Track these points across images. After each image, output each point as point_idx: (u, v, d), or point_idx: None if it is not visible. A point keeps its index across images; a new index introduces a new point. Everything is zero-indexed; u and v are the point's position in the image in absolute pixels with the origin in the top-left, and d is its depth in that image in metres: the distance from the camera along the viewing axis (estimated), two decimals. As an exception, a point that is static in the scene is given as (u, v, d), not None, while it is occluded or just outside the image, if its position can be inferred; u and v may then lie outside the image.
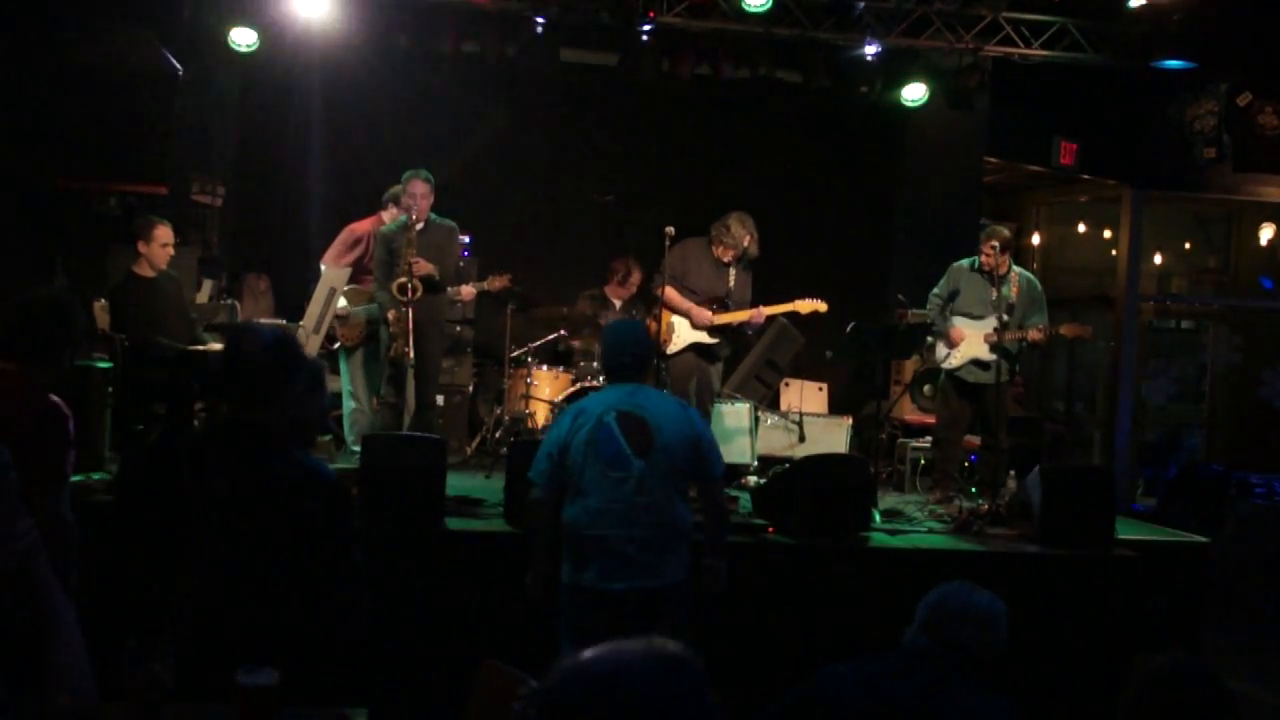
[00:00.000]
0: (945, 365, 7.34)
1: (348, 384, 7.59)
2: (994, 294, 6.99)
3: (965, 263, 7.39)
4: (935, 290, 7.45)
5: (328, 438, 7.36)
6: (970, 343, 7.21)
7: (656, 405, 4.28)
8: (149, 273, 6.68)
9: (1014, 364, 7.26)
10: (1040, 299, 7.33)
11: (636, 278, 8.57)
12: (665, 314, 7.01)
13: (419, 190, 6.79)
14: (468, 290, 7.45)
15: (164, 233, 6.67)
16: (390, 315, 6.83)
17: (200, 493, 2.76)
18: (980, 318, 7.20)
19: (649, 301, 7.79)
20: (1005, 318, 6.96)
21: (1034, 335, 7.07)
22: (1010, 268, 7.24)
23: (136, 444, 6.10)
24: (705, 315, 7.05)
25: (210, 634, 2.65)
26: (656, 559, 4.16)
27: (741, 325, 7.15)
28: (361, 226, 7.64)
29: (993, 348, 7.04)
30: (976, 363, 7.20)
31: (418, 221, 6.76)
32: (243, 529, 2.73)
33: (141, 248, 6.64)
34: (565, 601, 4.23)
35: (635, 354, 4.37)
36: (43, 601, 2.27)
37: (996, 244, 7.11)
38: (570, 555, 4.21)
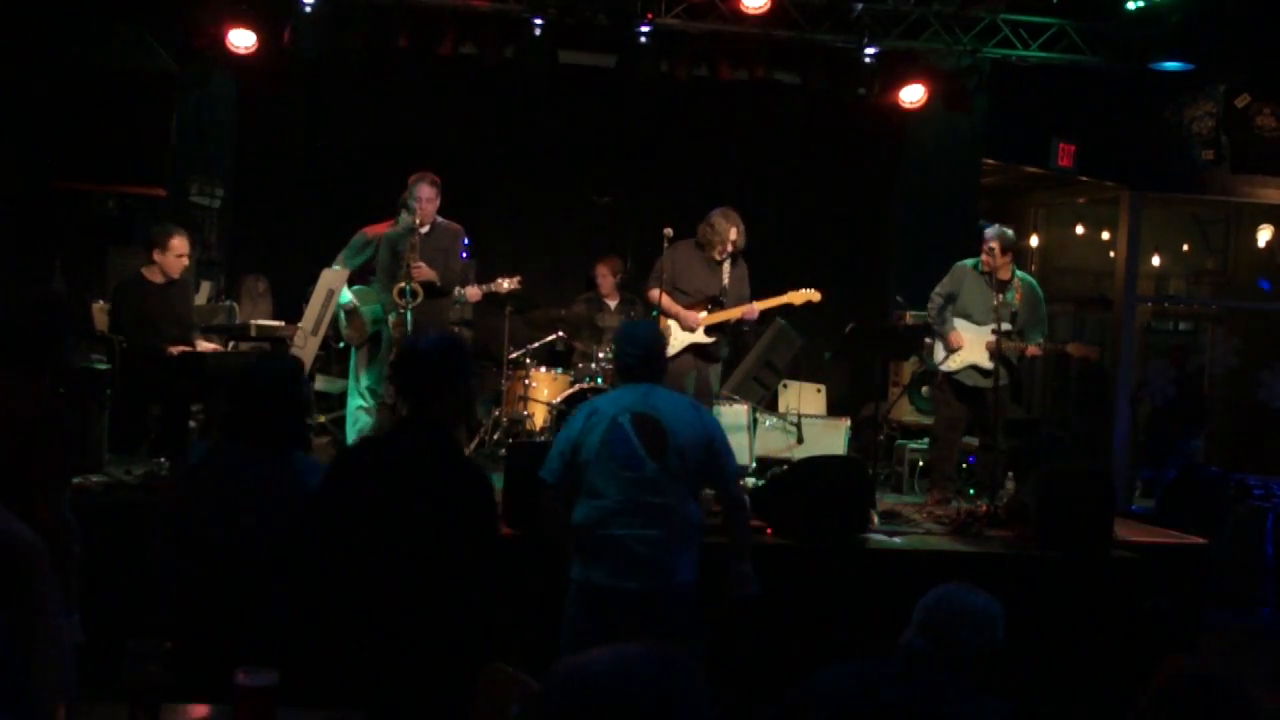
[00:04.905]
0: (943, 368, 7.27)
1: (353, 383, 7.57)
2: (997, 299, 6.87)
3: (969, 263, 7.29)
4: (936, 289, 7.36)
5: (326, 439, 7.35)
6: (971, 349, 7.12)
7: (670, 406, 4.27)
8: (158, 278, 6.63)
9: (1013, 370, 7.24)
10: (1041, 308, 7.29)
11: (622, 265, 8.59)
12: (663, 316, 7.01)
13: (425, 194, 6.77)
14: (473, 291, 7.44)
15: (179, 243, 6.62)
16: (391, 319, 6.83)
17: (384, 491, 3.05)
18: (981, 323, 7.08)
19: (647, 303, 7.78)
20: (1008, 326, 6.90)
21: (1032, 351, 7.05)
22: (1014, 273, 7.20)
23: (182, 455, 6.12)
24: (693, 317, 7.02)
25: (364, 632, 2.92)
26: (667, 559, 4.15)
27: (738, 323, 7.12)
28: (374, 230, 7.62)
29: (993, 356, 6.93)
30: (977, 369, 7.15)
31: (422, 225, 6.75)
32: (411, 524, 3.02)
33: (156, 256, 6.59)
34: (573, 599, 4.22)
35: (645, 354, 4.36)
36: (26, 607, 2.20)
37: (995, 246, 7.03)
38: (581, 553, 4.20)
